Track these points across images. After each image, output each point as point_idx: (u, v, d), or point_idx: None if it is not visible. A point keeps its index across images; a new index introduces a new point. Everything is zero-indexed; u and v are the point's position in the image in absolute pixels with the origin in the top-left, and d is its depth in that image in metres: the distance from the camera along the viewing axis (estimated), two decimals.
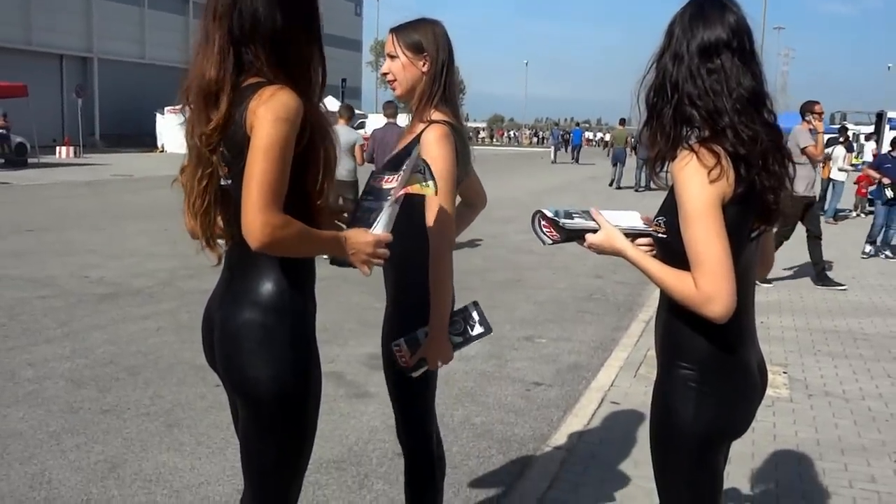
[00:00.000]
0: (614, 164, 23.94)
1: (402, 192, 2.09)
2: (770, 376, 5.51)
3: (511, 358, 5.81)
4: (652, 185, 23.09)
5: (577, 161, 39.20)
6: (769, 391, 5.07)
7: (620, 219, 2.12)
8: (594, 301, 7.71)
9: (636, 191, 22.36)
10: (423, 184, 2.15)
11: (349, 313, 6.86)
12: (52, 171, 24.47)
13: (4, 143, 27.60)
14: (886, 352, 6.17)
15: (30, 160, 27.39)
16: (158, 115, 38.85)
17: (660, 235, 1.99)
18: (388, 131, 9.09)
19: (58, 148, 32.82)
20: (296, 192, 1.94)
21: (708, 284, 1.81)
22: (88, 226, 12.02)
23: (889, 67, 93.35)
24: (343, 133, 9.45)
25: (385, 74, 2.65)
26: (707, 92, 1.90)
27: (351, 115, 10.54)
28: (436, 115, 2.52)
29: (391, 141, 9.21)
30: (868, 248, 10.91)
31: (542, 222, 2.14)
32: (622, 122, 25.81)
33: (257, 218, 1.82)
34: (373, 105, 69.73)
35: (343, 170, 9.28)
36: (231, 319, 2.03)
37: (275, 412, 2.01)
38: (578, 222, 2.09)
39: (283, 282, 2.01)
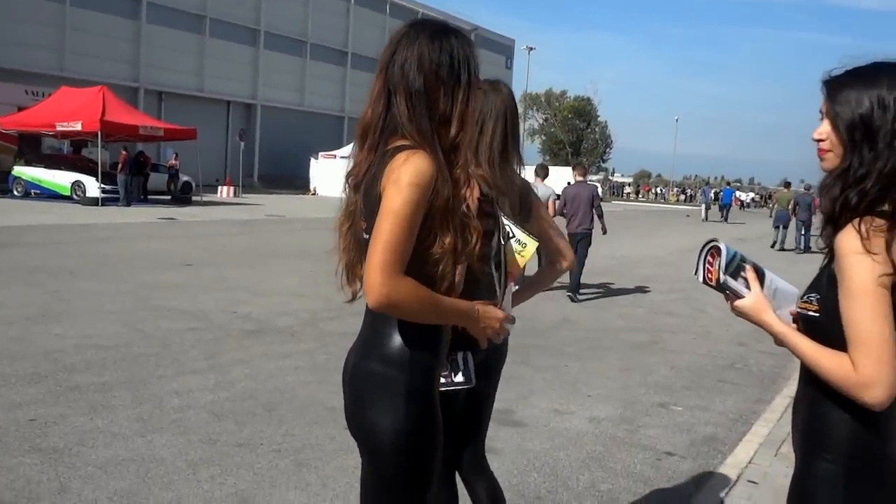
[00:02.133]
0: (776, 227, 23.80)
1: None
2: None
3: (643, 424, 5.62)
4: (813, 247, 22.43)
5: (726, 220, 38.88)
6: None
7: (780, 281, 2.05)
8: (735, 370, 7.37)
9: (797, 253, 22.30)
10: (520, 251, 2.21)
11: None
12: (212, 208, 26.00)
13: (173, 181, 29.75)
14: None
15: (194, 198, 29.30)
16: (312, 160, 40.79)
17: (810, 314, 1.88)
18: (579, 188, 11.07)
19: (219, 187, 34.92)
20: (422, 256, 1.97)
21: (870, 367, 1.69)
22: (241, 263, 12.65)
23: None
24: (539, 189, 10.21)
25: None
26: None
27: (546, 174, 11.40)
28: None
29: (582, 198, 11.05)
30: None
31: (709, 257, 2.04)
32: (787, 184, 26.31)
33: (377, 279, 1.87)
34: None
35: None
36: (358, 368, 2.10)
37: (391, 463, 2.04)
38: (736, 285, 1.99)
39: (412, 337, 2.04)
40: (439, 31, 2.09)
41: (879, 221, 1.74)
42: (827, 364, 1.77)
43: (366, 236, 2.02)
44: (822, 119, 1.92)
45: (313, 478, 4.25)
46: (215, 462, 4.37)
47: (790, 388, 6.54)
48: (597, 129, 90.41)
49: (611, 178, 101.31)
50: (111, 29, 38.95)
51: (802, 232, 22.82)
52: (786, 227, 23.53)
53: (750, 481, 4.59)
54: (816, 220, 25.91)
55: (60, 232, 16.34)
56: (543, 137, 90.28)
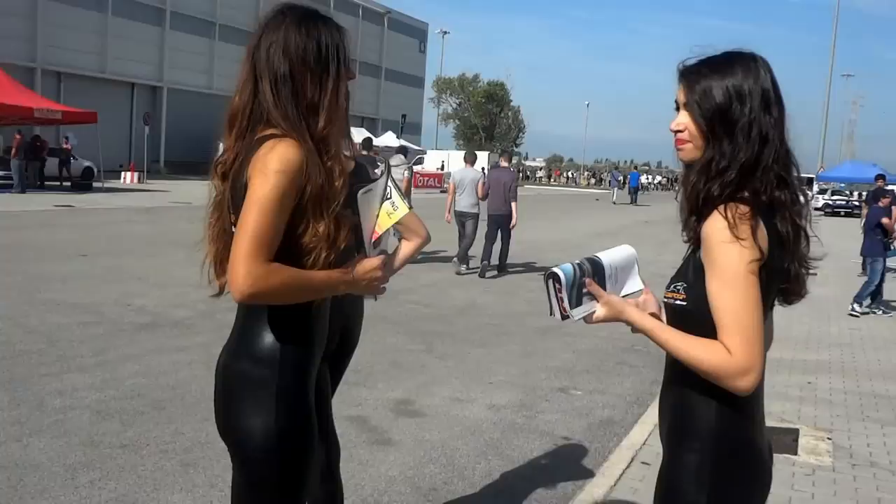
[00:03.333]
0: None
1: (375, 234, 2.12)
2: (813, 442, 5.21)
3: (542, 410, 5.65)
4: None
5: (634, 203, 41.02)
6: (811, 458, 4.83)
7: (616, 258, 2.06)
8: (635, 353, 7.49)
9: None
10: (390, 212, 2.13)
11: (382, 355, 6.78)
12: (114, 195, 25.11)
13: (65, 166, 28.49)
14: None
15: (95, 184, 28.20)
16: (221, 145, 39.71)
17: (677, 303, 1.87)
18: (500, 173, 12.48)
19: (123, 173, 33.73)
20: (294, 246, 1.91)
21: (745, 353, 1.68)
22: (140, 252, 12.23)
23: None
24: (469, 172, 12.32)
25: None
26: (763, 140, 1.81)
27: (474, 160, 13.14)
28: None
29: (501, 182, 12.22)
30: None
31: (556, 286, 1.91)
32: None
33: (241, 269, 1.80)
34: (433, 141, 70.39)
35: (467, 202, 12.11)
36: (228, 367, 2.04)
37: (262, 466, 1.96)
38: (586, 308, 1.93)
39: (284, 334, 1.97)
40: (307, 16, 2.01)
41: (744, 208, 1.74)
42: (700, 353, 1.75)
43: (234, 228, 1.94)
44: (677, 109, 1.91)
45: (201, 478, 4.10)
46: (96, 465, 4.17)
47: None
48: (510, 114, 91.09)
49: (524, 162, 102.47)
50: (5, 5, 36.99)
51: None
52: None
53: (644, 463, 4.65)
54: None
55: None
56: (457, 122, 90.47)
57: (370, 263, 2.01)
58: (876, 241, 10.87)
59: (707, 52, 1.89)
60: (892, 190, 13.11)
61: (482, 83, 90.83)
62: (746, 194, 1.78)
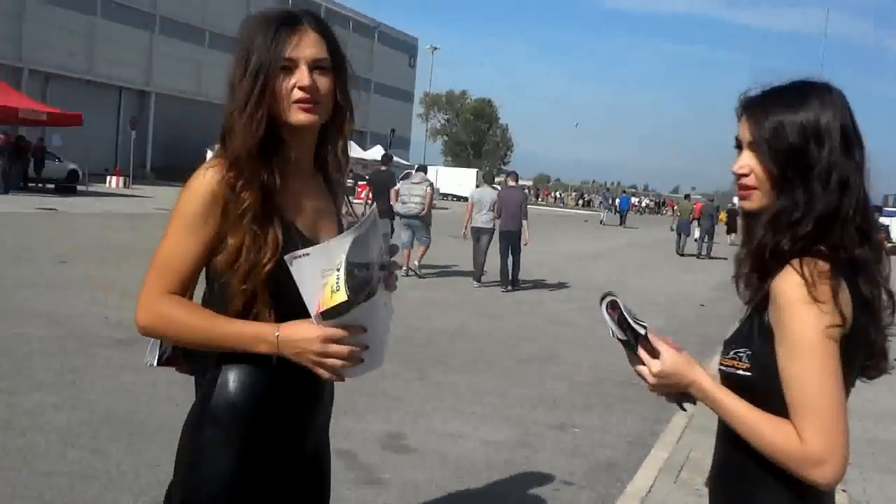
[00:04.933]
0: (678, 234, 25.07)
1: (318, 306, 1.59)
2: None
3: (540, 448, 5.33)
4: (713, 255, 23.97)
5: (623, 224, 41.88)
6: None
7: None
8: (632, 387, 7.17)
9: (699, 258, 23.82)
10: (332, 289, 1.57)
11: (370, 381, 6.41)
12: (98, 199, 24.68)
13: (38, 168, 27.81)
14: None
15: (80, 187, 27.75)
16: (209, 151, 39.40)
17: (739, 372, 1.57)
18: (511, 192, 13.36)
19: (108, 177, 33.29)
20: (210, 271, 1.68)
21: (820, 440, 1.41)
22: (120, 261, 11.82)
23: None
24: (487, 192, 13.28)
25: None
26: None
27: (492, 180, 14.52)
28: None
29: (513, 201, 12.91)
30: None
31: (611, 311, 1.70)
32: (687, 196, 30.30)
33: (141, 298, 1.63)
34: (421, 156, 70.23)
35: (484, 219, 13.00)
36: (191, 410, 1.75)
37: None
38: (655, 340, 1.65)
39: (233, 371, 1.67)
40: (254, 18, 1.78)
41: (823, 265, 1.46)
42: (767, 433, 1.47)
43: None
44: (738, 147, 1.62)
45: None
46: (58, 501, 3.81)
47: (688, 407, 6.40)
48: (498, 132, 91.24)
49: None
50: None
51: (706, 239, 24.45)
52: (687, 235, 24.93)
53: None
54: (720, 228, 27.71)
55: None
56: (445, 138, 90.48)
57: (303, 331, 1.58)
58: None
59: (772, 82, 1.60)
60: None
61: (470, 100, 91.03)
62: (824, 249, 1.50)
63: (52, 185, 27.55)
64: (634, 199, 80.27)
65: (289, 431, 1.74)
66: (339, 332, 1.59)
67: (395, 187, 13.26)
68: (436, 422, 5.66)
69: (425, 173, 14.00)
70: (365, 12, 67.13)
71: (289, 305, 1.59)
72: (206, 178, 1.63)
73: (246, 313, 1.62)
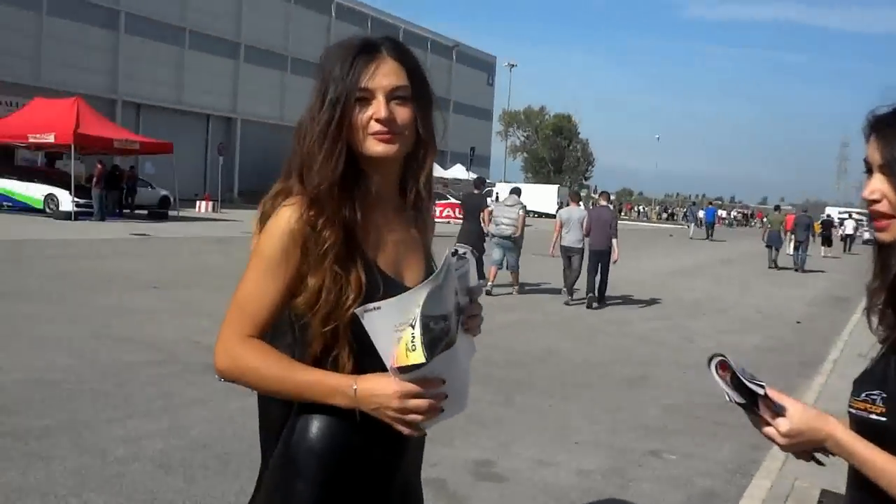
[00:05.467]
0: (769, 247, 24.38)
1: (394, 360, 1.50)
2: None
3: (635, 477, 5.15)
4: (806, 268, 23.53)
5: (710, 238, 40.91)
6: None
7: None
8: (730, 410, 6.89)
9: (796, 271, 23.46)
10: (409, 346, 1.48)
11: None
12: (189, 224, 25.42)
13: (131, 195, 28.89)
14: None
15: (171, 213, 28.68)
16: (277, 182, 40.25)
17: (873, 417, 1.44)
18: (601, 211, 13.59)
19: (198, 202, 34.29)
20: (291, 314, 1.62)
21: None
22: (211, 285, 12.11)
23: None
24: (575, 211, 13.42)
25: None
26: None
27: (580, 199, 14.70)
28: None
29: (603, 219, 13.16)
30: None
31: (721, 371, 1.59)
32: (777, 207, 28.77)
33: (218, 342, 1.57)
34: (501, 174, 70.23)
35: (573, 238, 13.13)
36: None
37: None
38: (778, 396, 1.54)
39: (316, 420, 1.60)
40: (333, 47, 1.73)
41: None
42: None
43: None
44: (868, 172, 1.48)
45: None
46: None
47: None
48: (578, 147, 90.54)
49: (593, 195, 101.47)
50: (89, 39, 38.30)
51: (801, 252, 24.11)
52: (777, 248, 24.19)
53: None
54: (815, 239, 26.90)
55: (26, 248, 15.74)
56: (525, 155, 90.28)
57: (381, 386, 1.50)
58: None
59: None
60: None
61: (549, 116, 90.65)
62: None
63: (144, 211, 28.55)
64: (721, 212, 78.54)
65: (375, 480, 1.67)
66: (416, 388, 1.51)
67: (489, 209, 13.79)
68: (525, 448, 5.54)
69: (519, 195, 14.15)
70: (444, 32, 67.78)
71: (371, 349, 1.52)
72: (285, 218, 1.57)
73: (326, 356, 1.56)
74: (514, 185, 19.73)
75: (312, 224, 1.55)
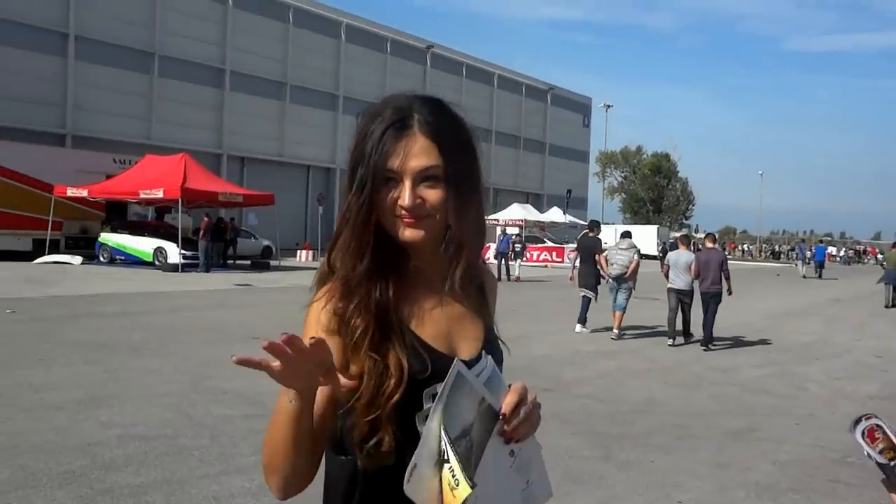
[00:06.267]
0: (887, 284, 23.66)
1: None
2: None
3: None
4: None
5: (820, 277, 39.68)
6: None
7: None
8: (849, 466, 6.45)
9: None
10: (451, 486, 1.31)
11: (554, 461, 6.14)
12: (290, 274, 25.97)
13: (232, 245, 29.79)
14: None
15: (272, 262, 29.46)
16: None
17: None
18: (710, 254, 13.59)
19: (298, 251, 35.14)
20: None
21: None
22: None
23: None
24: (683, 254, 13.58)
25: None
26: None
27: (688, 242, 14.62)
28: None
29: (713, 262, 13.31)
30: None
31: (867, 436, 1.48)
32: (895, 245, 27.82)
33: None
34: (599, 215, 69.45)
35: (683, 281, 13.32)
36: None
37: None
38: None
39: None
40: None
41: None
42: None
43: None
44: None
45: None
46: None
47: None
48: (677, 186, 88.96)
49: (694, 235, 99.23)
50: (196, 98, 40.22)
51: None
52: (895, 286, 23.41)
53: None
54: None
55: (135, 301, 16.35)
56: (623, 195, 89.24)
57: None
58: None
59: None
60: None
61: (647, 155, 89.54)
62: None
63: (247, 262, 29.43)
64: (831, 249, 75.47)
65: None
66: None
67: (604, 253, 14.24)
68: None
69: (631, 238, 14.50)
70: (539, 76, 68.08)
71: (413, 435, 1.38)
72: (315, 314, 1.47)
73: (370, 438, 1.42)
74: (622, 227, 20.13)
75: (341, 314, 1.44)
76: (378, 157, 1.44)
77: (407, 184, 1.43)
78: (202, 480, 5.35)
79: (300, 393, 1.31)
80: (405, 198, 1.43)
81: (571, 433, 7.04)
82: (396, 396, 1.37)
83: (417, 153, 1.44)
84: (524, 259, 31.27)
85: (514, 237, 31.48)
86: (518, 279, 28.54)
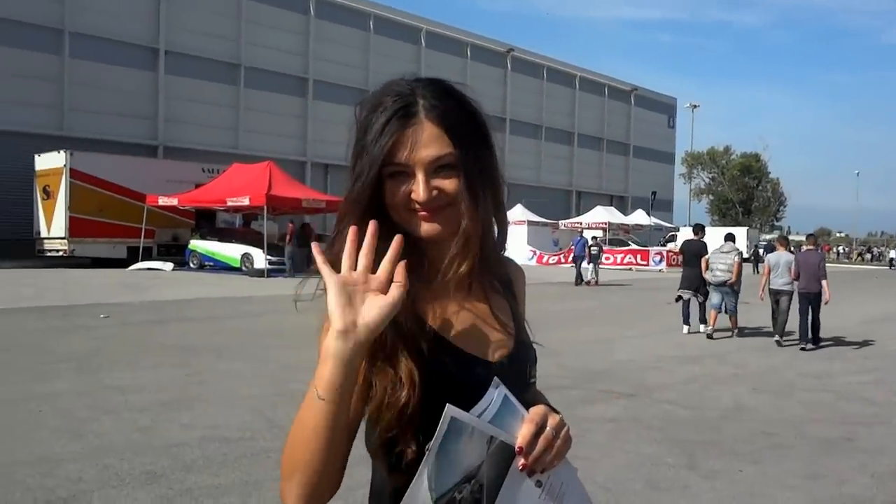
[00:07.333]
0: None
1: None
2: None
3: None
4: None
5: None
6: None
7: None
8: None
9: None
10: None
11: (636, 469, 5.95)
12: None
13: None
14: None
15: None
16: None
17: None
18: (808, 255, 13.71)
19: None
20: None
21: None
22: None
23: None
24: (783, 255, 13.78)
25: None
26: None
27: (787, 244, 14.63)
28: None
29: (812, 262, 13.41)
30: None
31: None
32: None
33: None
34: (685, 217, 68.00)
35: (782, 282, 13.57)
36: None
37: None
38: None
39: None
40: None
41: None
42: None
43: None
44: None
45: None
46: None
47: None
48: (768, 186, 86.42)
49: (788, 236, 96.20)
50: (281, 107, 41.13)
51: None
52: None
53: None
54: None
55: (221, 305, 16.72)
56: (710, 197, 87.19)
57: None
58: None
59: None
60: None
61: (735, 156, 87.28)
62: None
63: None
64: None
65: None
66: None
67: (706, 256, 14.43)
68: None
69: (734, 241, 14.71)
70: (622, 77, 67.20)
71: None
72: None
73: (391, 448, 1.32)
74: (727, 230, 20.08)
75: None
76: (384, 148, 1.31)
77: (420, 176, 1.31)
78: (278, 483, 5.35)
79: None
80: (420, 192, 1.31)
81: (654, 440, 6.82)
82: (410, 407, 1.26)
83: (427, 142, 1.32)
84: (601, 262, 29.25)
85: (590, 240, 29.66)
86: (591, 283, 27.42)
